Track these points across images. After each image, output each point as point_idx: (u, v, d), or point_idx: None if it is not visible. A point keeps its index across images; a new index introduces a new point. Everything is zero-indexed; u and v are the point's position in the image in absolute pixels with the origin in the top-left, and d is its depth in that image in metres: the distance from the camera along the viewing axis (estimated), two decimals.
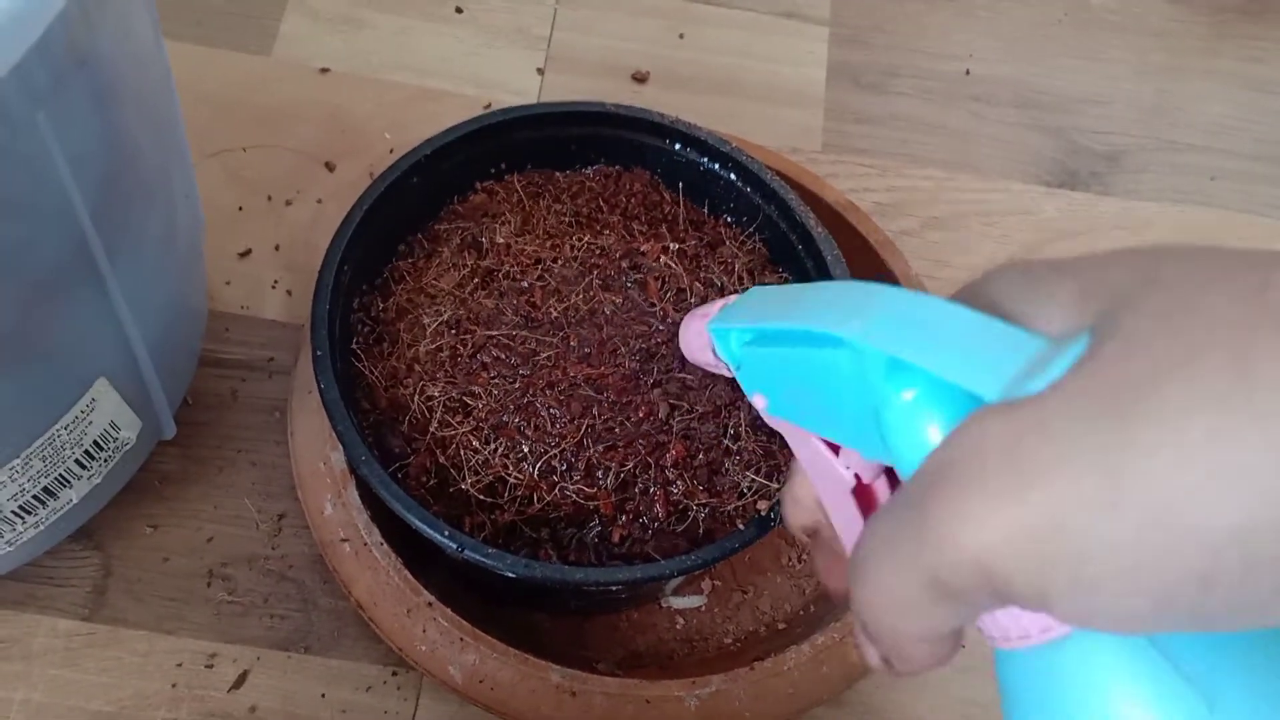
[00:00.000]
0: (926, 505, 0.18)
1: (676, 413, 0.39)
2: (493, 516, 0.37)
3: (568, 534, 0.37)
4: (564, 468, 0.37)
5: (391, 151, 0.56)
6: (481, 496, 0.37)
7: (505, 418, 0.38)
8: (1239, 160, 0.64)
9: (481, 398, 0.38)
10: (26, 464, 0.34)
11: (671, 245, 0.43)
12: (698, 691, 0.39)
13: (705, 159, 0.45)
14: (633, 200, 0.45)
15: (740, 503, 0.38)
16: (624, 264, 0.42)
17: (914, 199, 0.60)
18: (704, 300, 0.42)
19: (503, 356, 0.39)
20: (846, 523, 0.23)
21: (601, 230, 0.44)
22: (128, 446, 0.39)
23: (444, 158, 0.43)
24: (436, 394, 0.39)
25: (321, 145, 0.56)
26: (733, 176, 0.45)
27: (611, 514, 0.37)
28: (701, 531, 0.38)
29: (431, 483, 0.38)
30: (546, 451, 0.37)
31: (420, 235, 0.44)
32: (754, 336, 0.25)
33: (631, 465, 0.38)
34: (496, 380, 0.39)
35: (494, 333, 0.40)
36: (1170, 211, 0.62)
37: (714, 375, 0.40)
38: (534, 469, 0.37)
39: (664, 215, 0.45)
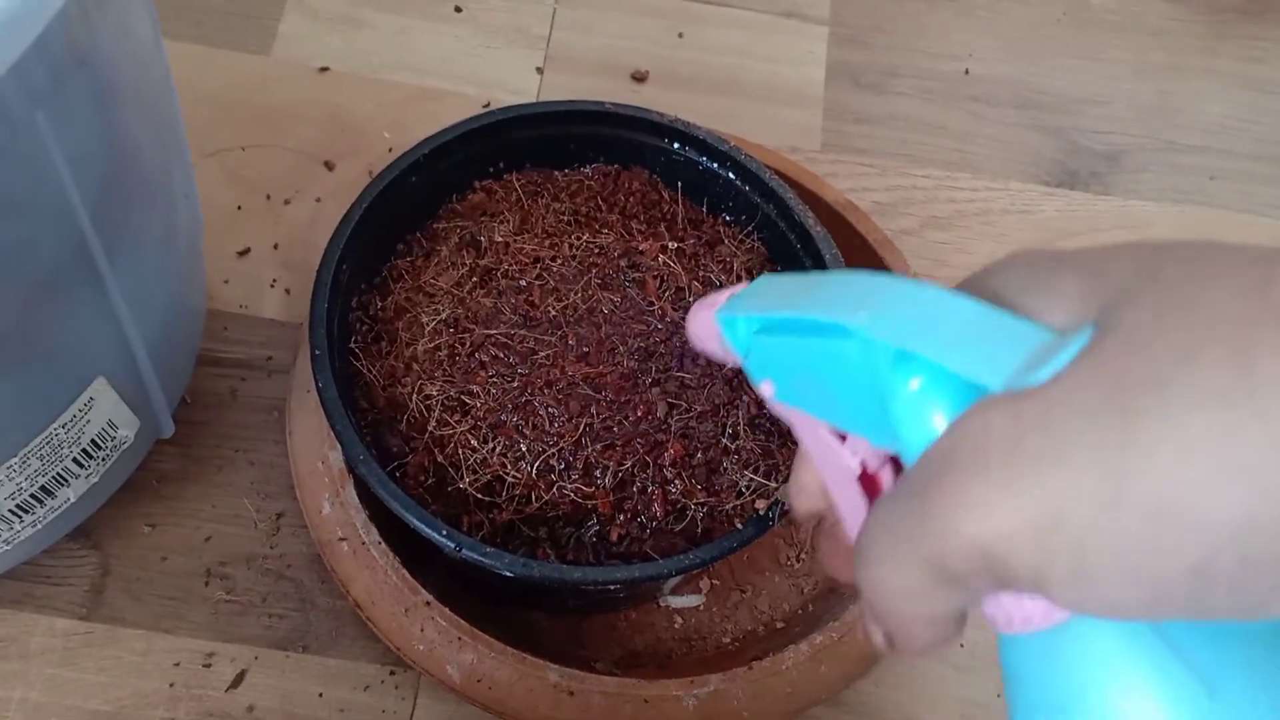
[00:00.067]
0: (929, 492, 0.18)
1: (675, 412, 0.39)
2: (491, 515, 0.37)
3: (566, 533, 0.37)
4: (562, 467, 0.37)
5: (391, 151, 0.56)
6: (479, 495, 0.37)
7: (503, 416, 0.38)
8: (1239, 160, 0.64)
9: (480, 396, 0.38)
10: (24, 462, 0.34)
11: (670, 244, 0.43)
12: (696, 691, 0.39)
13: (704, 158, 0.45)
14: (631, 199, 0.46)
15: (738, 502, 0.38)
16: (622, 263, 0.42)
17: (913, 198, 0.60)
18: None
19: (501, 355, 0.39)
20: (852, 510, 0.24)
21: (600, 229, 0.44)
22: (126, 445, 0.39)
23: (443, 157, 0.43)
24: (435, 393, 0.39)
25: (321, 144, 0.56)
26: (731, 176, 0.45)
27: (609, 513, 0.37)
28: (700, 531, 0.38)
29: (429, 482, 0.38)
30: (545, 450, 0.38)
31: (419, 234, 0.44)
32: (762, 325, 0.25)
33: (630, 464, 0.38)
34: (495, 379, 0.39)
35: (492, 331, 0.40)
36: (1170, 211, 0.62)
37: (712, 375, 0.40)
38: (532, 468, 0.37)
39: (663, 214, 0.45)
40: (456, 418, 0.38)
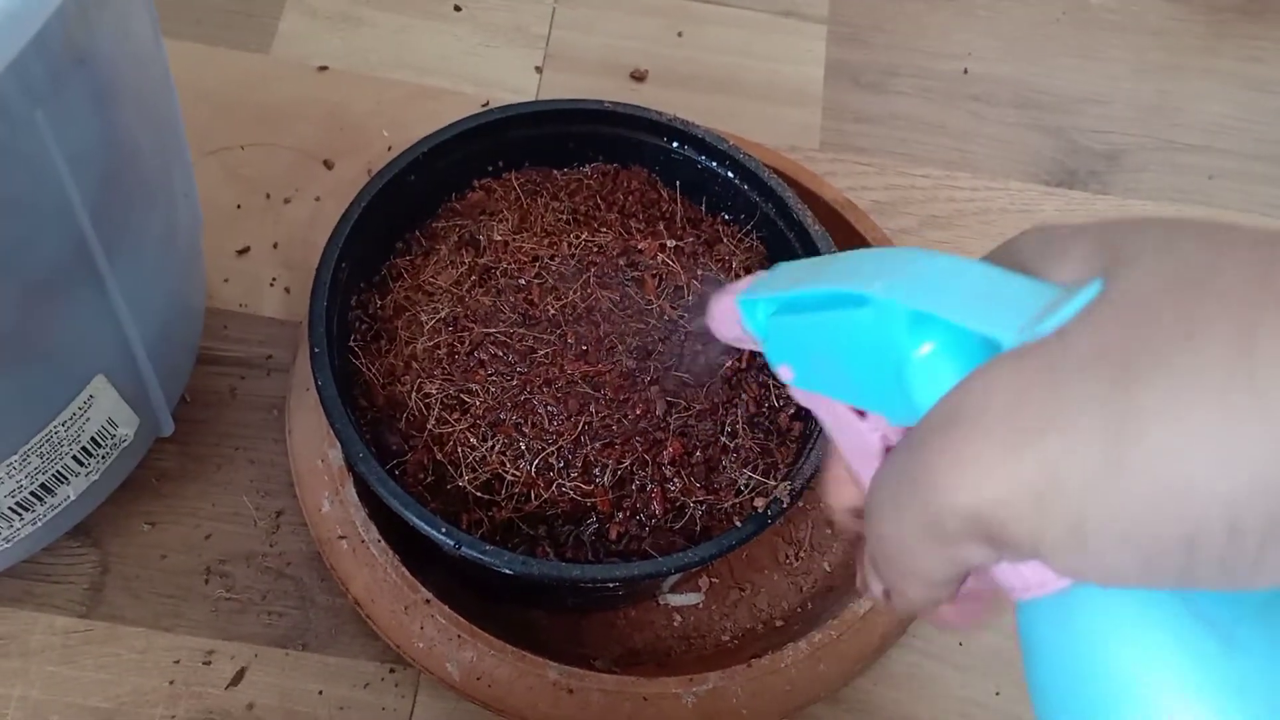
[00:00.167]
0: (928, 450, 0.18)
1: (674, 410, 0.39)
2: (490, 513, 0.37)
3: (565, 531, 0.37)
4: (561, 465, 0.38)
5: (390, 149, 0.56)
6: (479, 493, 0.37)
7: (503, 415, 0.38)
8: (1238, 160, 0.64)
9: (479, 395, 0.39)
10: (24, 460, 0.34)
11: (669, 243, 0.43)
12: (695, 689, 0.40)
13: (703, 157, 0.45)
14: (630, 198, 0.46)
15: (738, 500, 0.38)
16: (621, 262, 0.42)
17: (912, 198, 0.60)
18: (701, 299, 0.42)
19: (500, 354, 0.39)
20: None
21: (599, 228, 0.44)
22: (125, 443, 0.40)
23: (442, 155, 0.43)
24: (434, 391, 0.39)
25: (320, 143, 0.56)
26: (730, 175, 0.45)
27: (609, 511, 0.37)
28: (699, 529, 0.38)
29: (429, 480, 0.38)
30: (544, 449, 0.38)
31: (418, 233, 0.44)
32: (780, 306, 0.25)
33: (629, 462, 0.38)
34: (494, 377, 0.39)
35: (491, 330, 0.40)
36: (1169, 211, 0.62)
37: (711, 373, 0.40)
38: (531, 466, 0.37)
39: (661, 213, 0.45)
40: (456, 416, 0.38)
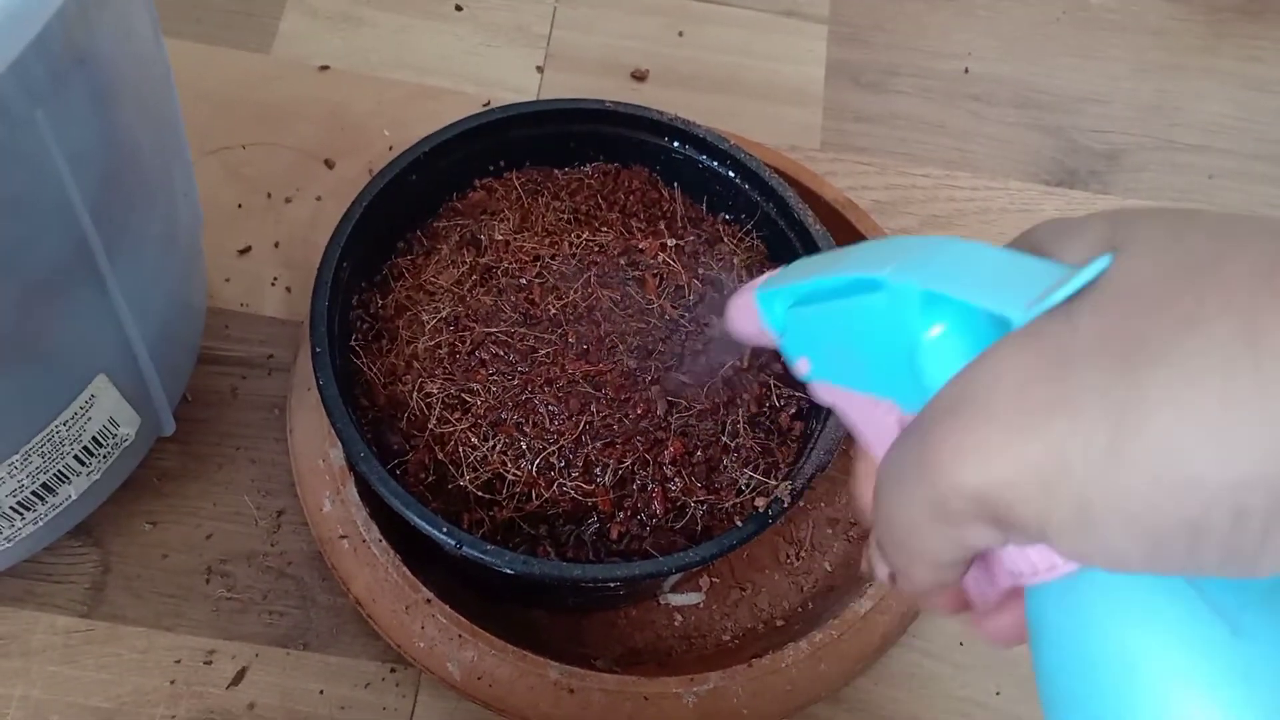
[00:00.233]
0: (935, 433, 0.19)
1: (675, 410, 0.39)
2: (491, 513, 0.37)
3: (566, 531, 0.37)
4: (562, 464, 0.38)
5: (391, 149, 0.56)
6: (480, 493, 0.37)
7: (504, 414, 0.38)
8: (1238, 159, 0.64)
9: (480, 394, 0.39)
10: (25, 460, 0.34)
11: (670, 242, 0.43)
12: (696, 688, 0.40)
13: (704, 157, 0.45)
14: (631, 198, 0.46)
15: (738, 500, 0.38)
16: (622, 261, 0.42)
17: (913, 197, 0.60)
18: (702, 298, 0.42)
19: (501, 353, 0.39)
20: None
21: (600, 227, 0.44)
22: (127, 443, 0.40)
23: (443, 155, 0.43)
24: (435, 391, 0.39)
25: (321, 143, 0.56)
26: (731, 174, 0.45)
27: (610, 511, 0.37)
28: (700, 528, 0.38)
29: (430, 479, 0.38)
30: (545, 448, 0.38)
31: (419, 232, 0.44)
32: (797, 298, 0.25)
33: (630, 462, 0.38)
34: (495, 377, 0.39)
35: (492, 330, 0.40)
36: None
37: (712, 373, 0.40)
38: (532, 466, 0.37)
39: (662, 212, 0.45)
40: (457, 415, 0.38)
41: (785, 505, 0.37)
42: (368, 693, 0.42)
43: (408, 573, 0.40)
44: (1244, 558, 0.16)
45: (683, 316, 0.41)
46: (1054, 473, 0.17)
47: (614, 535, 0.37)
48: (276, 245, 0.53)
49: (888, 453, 0.21)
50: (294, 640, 0.43)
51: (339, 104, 0.58)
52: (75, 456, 0.37)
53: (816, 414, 0.40)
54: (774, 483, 0.38)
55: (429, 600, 0.40)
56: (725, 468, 0.39)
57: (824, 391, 0.25)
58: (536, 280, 0.41)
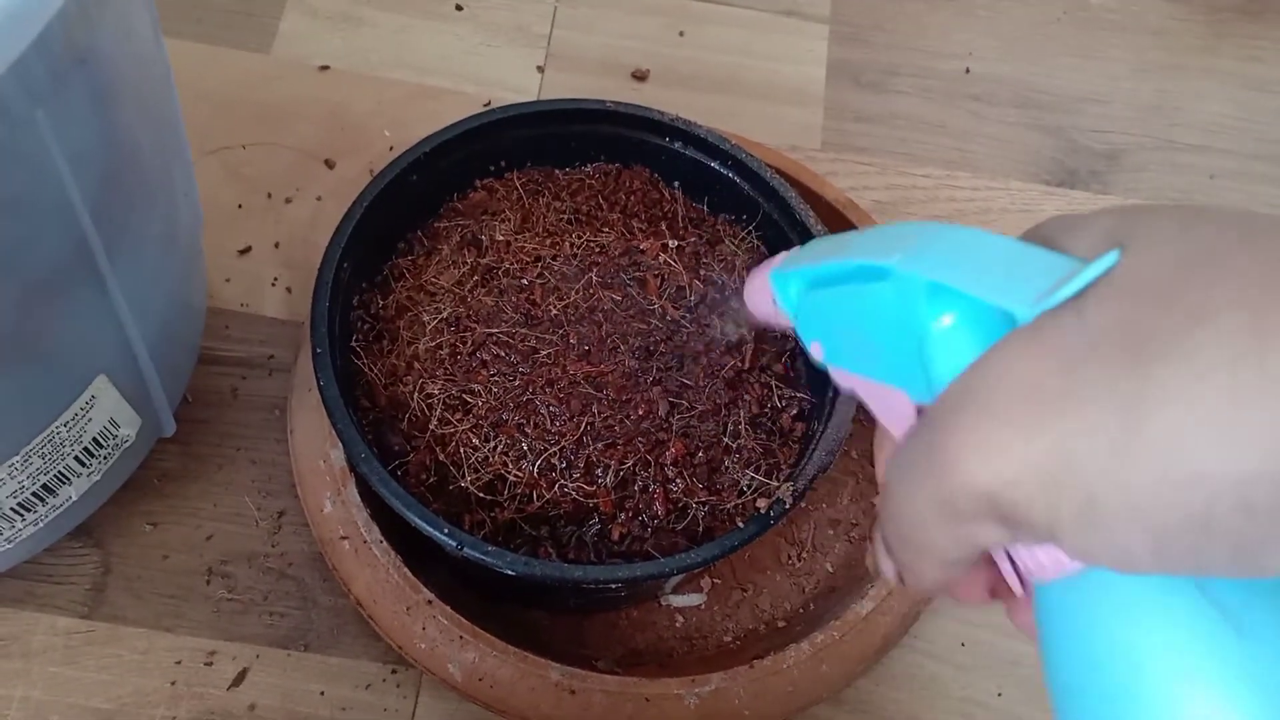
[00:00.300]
0: (943, 430, 0.19)
1: (676, 410, 0.39)
2: (492, 514, 0.37)
3: (567, 532, 0.37)
4: (563, 465, 0.38)
5: (391, 149, 0.56)
6: (481, 494, 0.37)
7: (505, 415, 0.38)
8: (1238, 159, 0.64)
9: (481, 395, 0.38)
10: (26, 461, 0.34)
11: (671, 243, 0.43)
12: (697, 690, 0.39)
13: (705, 157, 0.45)
14: (632, 198, 0.46)
15: (740, 500, 0.38)
16: (623, 261, 0.42)
17: (913, 197, 0.60)
18: (703, 298, 0.42)
19: (502, 354, 0.39)
20: None
21: (601, 228, 0.44)
22: (127, 444, 0.39)
23: (443, 155, 0.43)
24: (436, 391, 0.39)
25: (321, 143, 0.56)
26: (732, 174, 0.45)
27: (611, 512, 0.37)
28: (701, 529, 0.38)
29: (431, 480, 0.38)
30: (546, 449, 0.38)
31: (420, 233, 0.44)
32: (810, 281, 0.25)
33: (631, 463, 0.38)
34: (496, 378, 0.39)
35: (493, 330, 0.40)
36: None
37: (713, 374, 0.40)
38: (533, 466, 0.37)
39: (663, 213, 0.45)
40: (458, 416, 0.38)
41: (787, 506, 0.37)
42: (369, 694, 0.42)
43: (409, 574, 0.40)
44: (1251, 555, 0.16)
45: (684, 317, 0.41)
46: (1062, 471, 0.17)
47: (615, 536, 0.37)
48: (277, 245, 0.53)
49: (896, 451, 0.21)
50: (295, 641, 0.43)
51: (339, 104, 0.58)
52: (76, 457, 0.37)
53: (818, 415, 0.40)
54: (776, 484, 0.38)
55: (430, 601, 0.39)
56: (727, 469, 0.38)
57: (841, 376, 0.25)
58: (538, 281, 0.41)
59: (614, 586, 0.38)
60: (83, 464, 0.37)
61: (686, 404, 0.39)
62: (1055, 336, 0.18)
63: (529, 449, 0.38)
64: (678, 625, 0.45)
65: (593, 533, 0.37)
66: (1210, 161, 0.64)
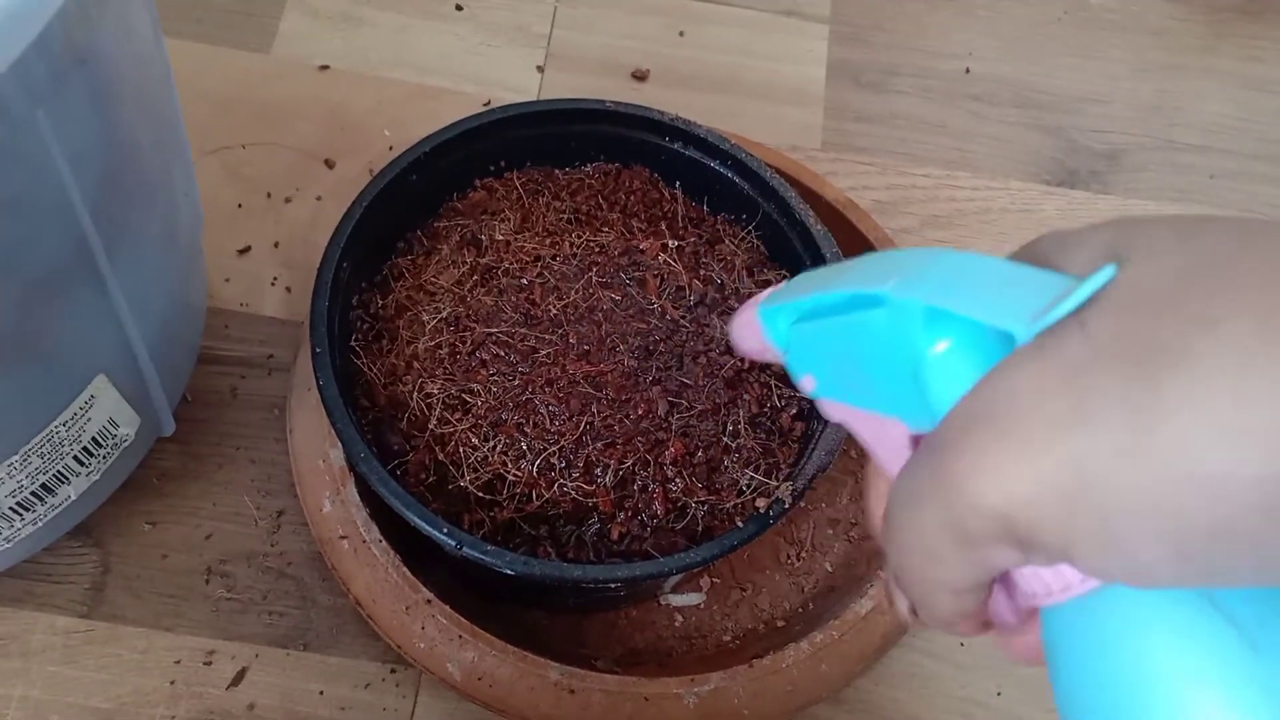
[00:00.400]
0: (950, 454, 0.18)
1: (675, 410, 0.39)
2: (491, 514, 0.37)
3: (566, 531, 0.37)
4: (563, 465, 0.38)
5: (391, 149, 0.56)
6: (480, 494, 0.37)
7: (504, 415, 0.38)
8: (1238, 159, 0.64)
9: (480, 395, 0.38)
10: (25, 460, 0.34)
11: (670, 243, 0.43)
12: (696, 689, 0.39)
13: (705, 157, 0.45)
14: (632, 198, 0.46)
15: (739, 500, 0.38)
16: (623, 261, 0.42)
17: (913, 197, 0.60)
18: (703, 298, 0.42)
19: (502, 354, 0.39)
20: None
21: (601, 228, 0.44)
22: (126, 443, 0.39)
23: (443, 155, 0.43)
24: (435, 391, 0.39)
25: (321, 142, 0.56)
26: (732, 174, 0.45)
27: (610, 511, 0.37)
28: (700, 529, 0.38)
29: (430, 480, 0.38)
30: (545, 449, 0.38)
31: (419, 232, 0.44)
32: (799, 314, 0.25)
33: (630, 463, 0.38)
34: (495, 377, 0.39)
35: (493, 330, 0.40)
36: (1169, 210, 0.62)
37: (713, 373, 0.40)
38: (533, 466, 0.37)
39: (663, 213, 0.45)
40: (457, 416, 0.38)
41: (786, 506, 0.37)
42: (368, 693, 0.42)
43: (408, 573, 0.40)
44: (1274, 559, 0.16)
45: (683, 317, 0.41)
46: (1075, 486, 0.17)
47: (615, 536, 0.37)
48: (276, 245, 0.53)
49: (898, 478, 0.20)
50: (294, 641, 0.43)
51: (339, 104, 0.58)
52: (75, 457, 0.37)
53: (817, 414, 0.40)
54: (775, 483, 0.38)
55: (429, 601, 0.39)
56: (726, 468, 0.39)
57: (832, 409, 0.25)
58: (537, 280, 0.41)
59: (613, 586, 0.38)
60: (82, 463, 0.37)
61: (686, 403, 0.39)
62: (1059, 352, 0.17)
63: (528, 448, 0.38)
64: (677, 625, 0.45)
65: (592, 532, 0.37)
66: (1210, 161, 0.64)
